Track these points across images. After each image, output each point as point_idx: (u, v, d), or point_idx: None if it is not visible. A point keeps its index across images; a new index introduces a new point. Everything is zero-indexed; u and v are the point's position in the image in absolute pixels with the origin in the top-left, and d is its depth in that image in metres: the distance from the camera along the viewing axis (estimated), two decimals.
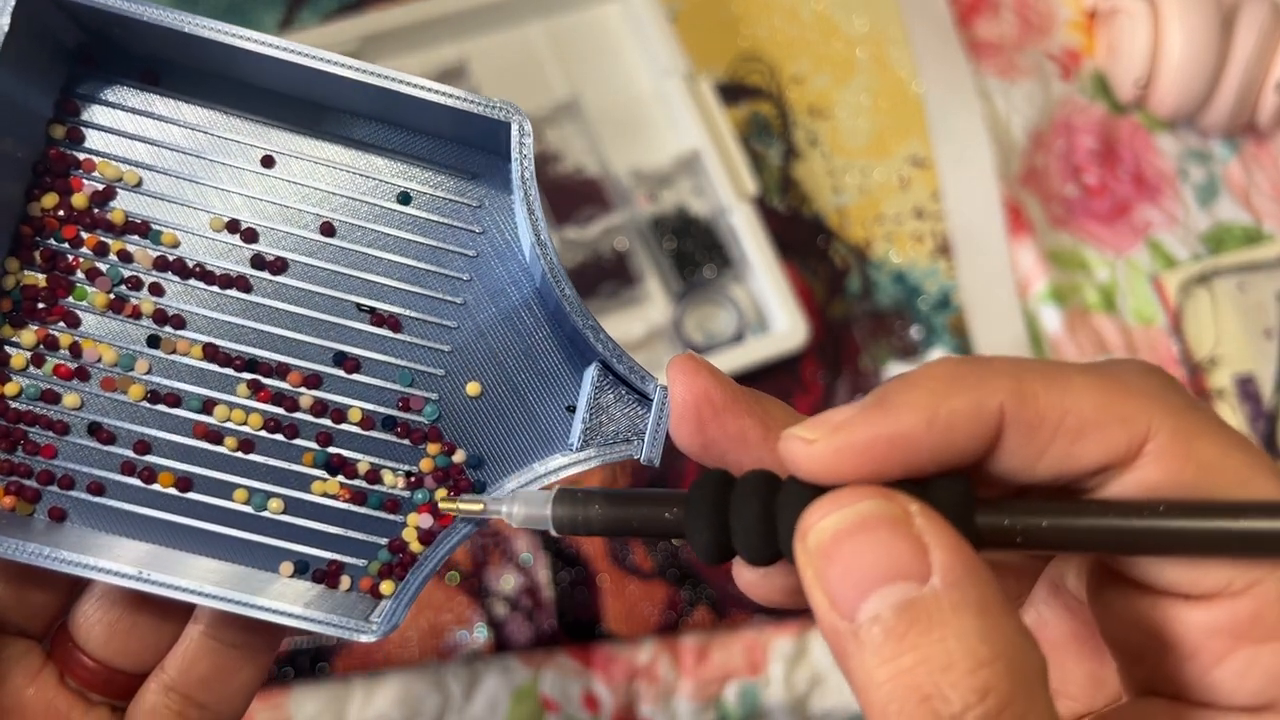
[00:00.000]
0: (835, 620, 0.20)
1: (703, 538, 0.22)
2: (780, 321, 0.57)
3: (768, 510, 0.22)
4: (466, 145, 0.28)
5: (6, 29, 0.25)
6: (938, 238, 0.63)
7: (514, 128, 0.26)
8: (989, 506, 0.21)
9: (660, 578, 0.55)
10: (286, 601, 0.26)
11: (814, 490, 0.21)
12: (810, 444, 0.21)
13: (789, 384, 0.59)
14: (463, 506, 0.25)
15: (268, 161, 0.28)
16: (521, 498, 0.25)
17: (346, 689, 0.54)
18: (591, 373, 0.27)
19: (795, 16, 0.66)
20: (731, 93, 0.64)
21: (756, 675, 0.56)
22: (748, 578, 0.24)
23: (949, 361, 0.22)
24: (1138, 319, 0.64)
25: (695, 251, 0.59)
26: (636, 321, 0.59)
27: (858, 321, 0.61)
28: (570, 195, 0.60)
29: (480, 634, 0.54)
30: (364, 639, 0.26)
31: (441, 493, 0.27)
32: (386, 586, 0.28)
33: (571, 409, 0.28)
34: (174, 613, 0.29)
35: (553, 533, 0.24)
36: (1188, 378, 0.62)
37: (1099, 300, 0.64)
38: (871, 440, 0.21)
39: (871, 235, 0.62)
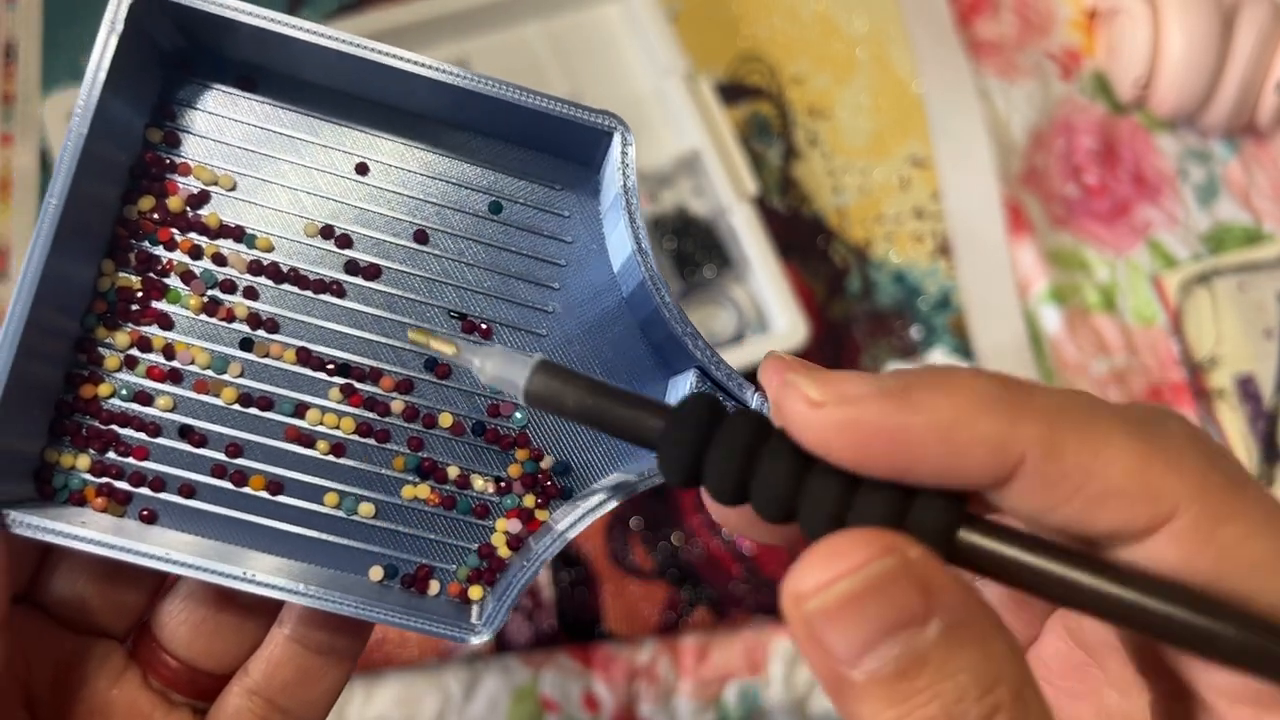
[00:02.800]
0: (833, 669, 0.19)
1: (675, 462, 0.21)
2: (780, 321, 0.57)
3: (749, 457, 0.21)
4: (557, 156, 0.28)
5: (120, 32, 0.25)
6: (938, 238, 0.63)
7: (616, 137, 0.27)
8: (976, 528, 0.20)
9: (660, 578, 0.55)
10: (390, 607, 0.26)
11: (802, 458, 0.20)
12: (815, 407, 0.20)
13: None
14: (435, 344, 0.24)
15: (362, 169, 0.28)
16: (499, 355, 0.23)
17: (347, 689, 0.53)
18: (691, 378, 0.27)
19: (795, 16, 0.66)
20: (731, 93, 0.64)
21: (756, 675, 0.56)
22: (714, 508, 0.23)
23: (986, 378, 0.20)
24: (1138, 319, 0.64)
25: (695, 251, 0.59)
26: None
27: (858, 321, 0.61)
28: None
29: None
30: (474, 640, 0.25)
31: (441, 342, 0.24)
32: (475, 591, 0.28)
33: None
34: (259, 614, 0.28)
35: (520, 401, 0.23)
36: (1188, 377, 0.62)
37: (1099, 300, 0.64)
38: (879, 428, 0.19)
39: (871, 235, 0.62)
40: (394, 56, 0.26)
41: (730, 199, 0.58)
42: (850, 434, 0.20)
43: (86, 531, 0.25)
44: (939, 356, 0.60)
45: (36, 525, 0.24)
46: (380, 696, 0.54)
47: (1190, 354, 0.62)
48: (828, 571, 0.19)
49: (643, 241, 0.27)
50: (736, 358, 0.57)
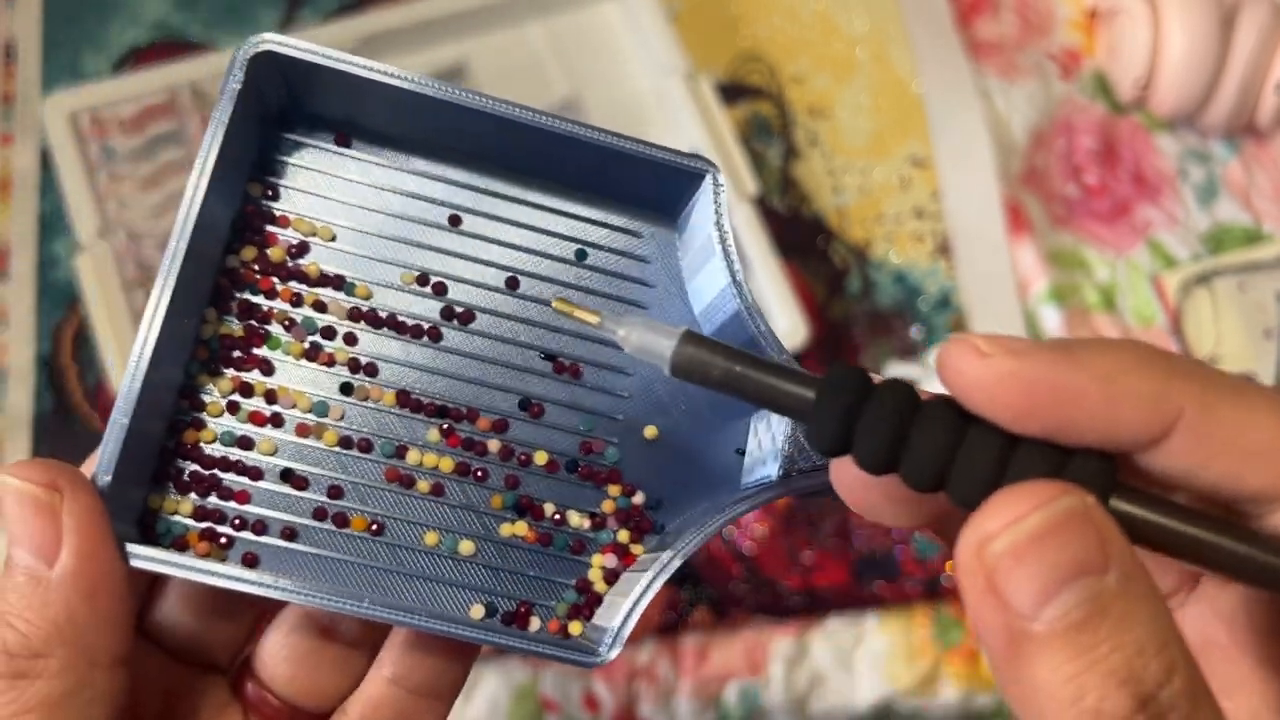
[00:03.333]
0: (1011, 625, 0.19)
1: (826, 431, 0.22)
2: (780, 321, 0.57)
3: (902, 423, 0.21)
4: (635, 203, 0.30)
5: (239, 88, 0.26)
6: (938, 237, 0.63)
7: (708, 179, 0.28)
8: (1126, 492, 0.21)
9: None
10: (495, 633, 0.26)
11: (958, 422, 0.21)
12: (984, 358, 0.20)
13: None
14: (578, 314, 0.24)
15: (455, 220, 0.29)
16: (644, 325, 0.23)
17: None
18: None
19: (795, 16, 0.66)
20: (731, 92, 0.64)
21: (756, 675, 0.56)
22: (847, 482, 0.24)
23: (1135, 344, 0.21)
24: (1138, 319, 0.64)
25: None
26: None
27: (858, 321, 0.61)
28: None
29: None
30: (597, 662, 0.26)
31: (586, 312, 0.25)
32: (575, 627, 0.28)
33: (741, 452, 0.29)
34: (359, 651, 0.28)
35: (666, 371, 0.23)
36: None
37: (1099, 300, 0.64)
38: (1042, 381, 0.20)
39: (871, 235, 0.62)
40: (487, 99, 0.27)
41: (730, 199, 0.58)
42: (1015, 386, 0.20)
43: (200, 561, 0.25)
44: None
45: (154, 558, 0.25)
46: None
47: (1190, 354, 0.62)
48: (1012, 511, 0.19)
49: (738, 275, 0.28)
50: None
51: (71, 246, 0.58)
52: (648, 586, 0.26)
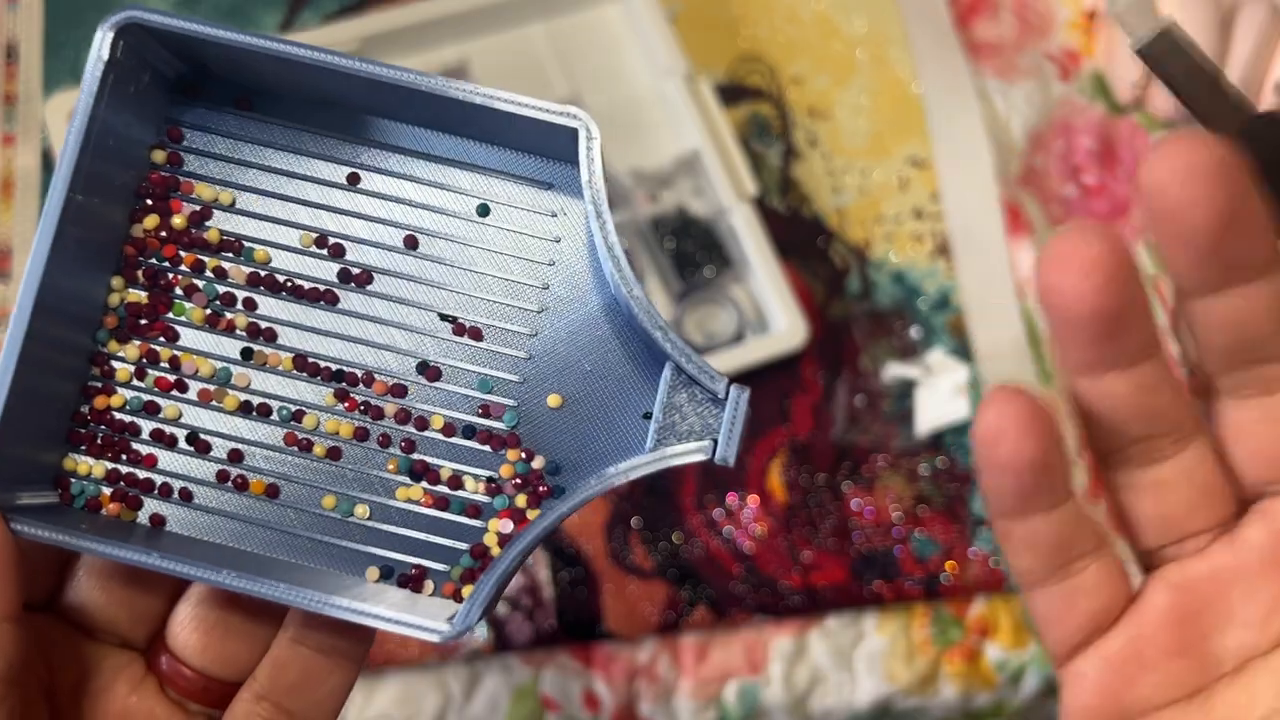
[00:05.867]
0: None
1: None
2: (780, 321, 0.58)
3: None
4: (541, 156, 0.29)
5: (106, 59, 0.27)
6: (937, 238, 0.63)
7: (580, 133, 0.27)
8: None
9: (660, 577, 0.55)
10: (370, 605, 0.26)
11: None
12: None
13: (788, 384, 0.59)
14: None
15: (353, 179, 0.29)
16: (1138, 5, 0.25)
17: None
18: (666, 373, 0.27)
19: (795, 17, 0.67)
20: (731, 93, 0.64)
21: (756, 674, 0.56)
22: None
23: None
24: None
25: (695, 251, 0.59)
26: None
27: (857, 321, 0.61)
28: None
29: (480, 633, 0.54)
30: (433, 639, 0.26)
31: None
32: (468, 591, 0.28)
33: (648, 416, 0.29)
34: (265, 617, 0.29)
35: (1134, 47, 0.24)
36: (1187, 378, 0.62)
37: None
38: None
39: (871, 235, 0.63)
40: (371, 67, 0.27)
41: (730, 199, 0.58)
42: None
43: (91, 540, 0.26)
44: (938, 357, 0.60)
45: (43, 527, 0.26)
46: (381, 695, 0.54)
47: (1189, 354, 0.62)
48: None
49: (609, 237, 0.27)
50: (737, 357, 0.57)
51: None
52: (509, 557, 0.26)
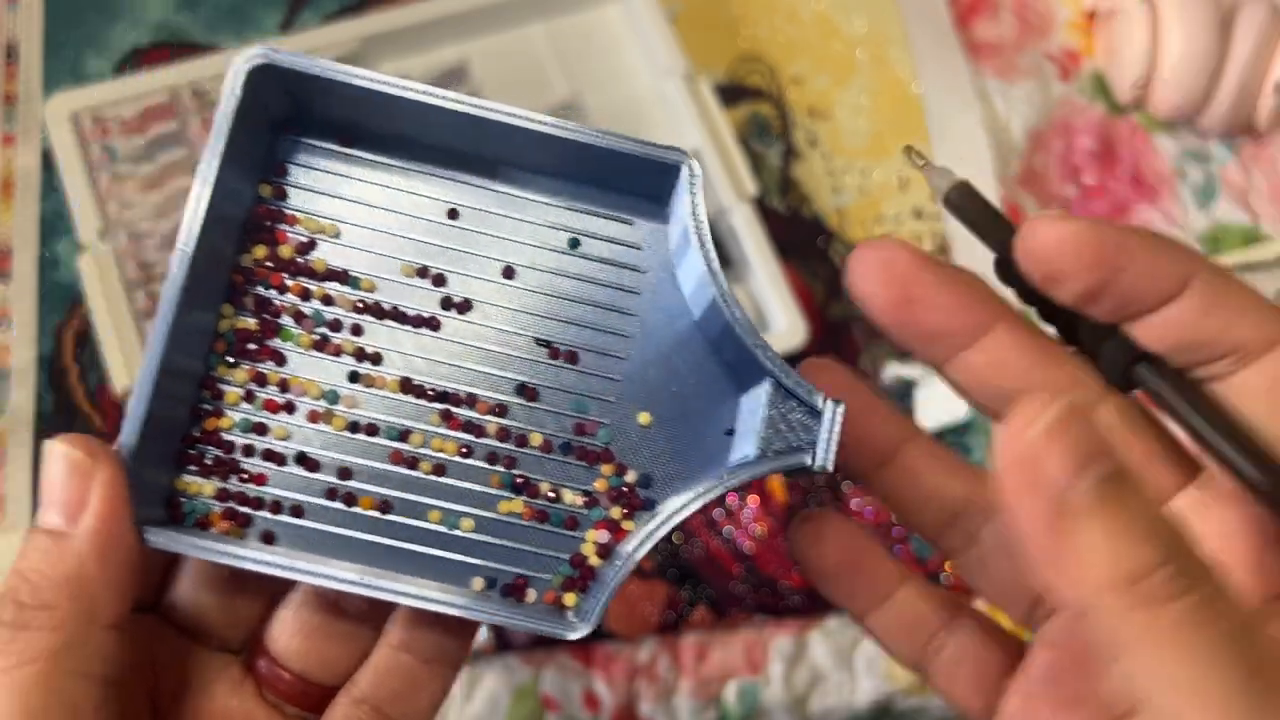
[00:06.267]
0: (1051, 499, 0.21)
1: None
2: (780, 321, 0.58)
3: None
4: (629, 193, 0.31)
5: (239, 98, 0.28)
6: (937, 238, 0.63)
7: (684, 170, 0.29)
8: (1151, 368, 0.27)
9: (660, 577, 0.56)
10: (485, 606, 0.28)
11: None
12: (1064, 221, 0.25)
13: None
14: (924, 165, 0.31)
15: (453, 214, 0.31)
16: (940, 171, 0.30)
17: None
18: (766, 388, 0.29)
19: (795, 17, 0.67)
20: (731, 93, 0.64)
21: (756, 674, 0.56)
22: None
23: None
24: None
25: None
26: None
27: (857, 321, 0.61)
28: None
29: (481, 633, 0.54)
30: (571, 636, 0.28)
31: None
32: (569, 598, 0.30)
33: (730, 433, 0.31)
34: (367, 624, 0.30)
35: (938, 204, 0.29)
36: None
37: None
38: (1109, 238, 0.25)
39: (871, 235, 0.63)
40: (473, 106, 0.29)
41: (730, 199, 0.59)
42: (1088, 241, 0.25)
43: (211, 542, 0.27)
44: None
45: (170, 538, 0.27)
46: None
47: None
48: (1036, 408, 0.22)
49: (713, 264, 0.29)
50: None
51: (73, 247, 0.58)
52: (627, 558, 0.29)
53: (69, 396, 0.57)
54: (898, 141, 0.65)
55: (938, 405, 0.59)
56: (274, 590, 0.30)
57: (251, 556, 0.27)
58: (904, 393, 0.59)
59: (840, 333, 0.60)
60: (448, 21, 0.61)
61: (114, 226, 0.56)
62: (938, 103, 0.65)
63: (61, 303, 0.58)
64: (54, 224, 0.60)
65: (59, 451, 0.26)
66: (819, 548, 0.30)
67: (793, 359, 0.58)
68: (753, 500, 0.57)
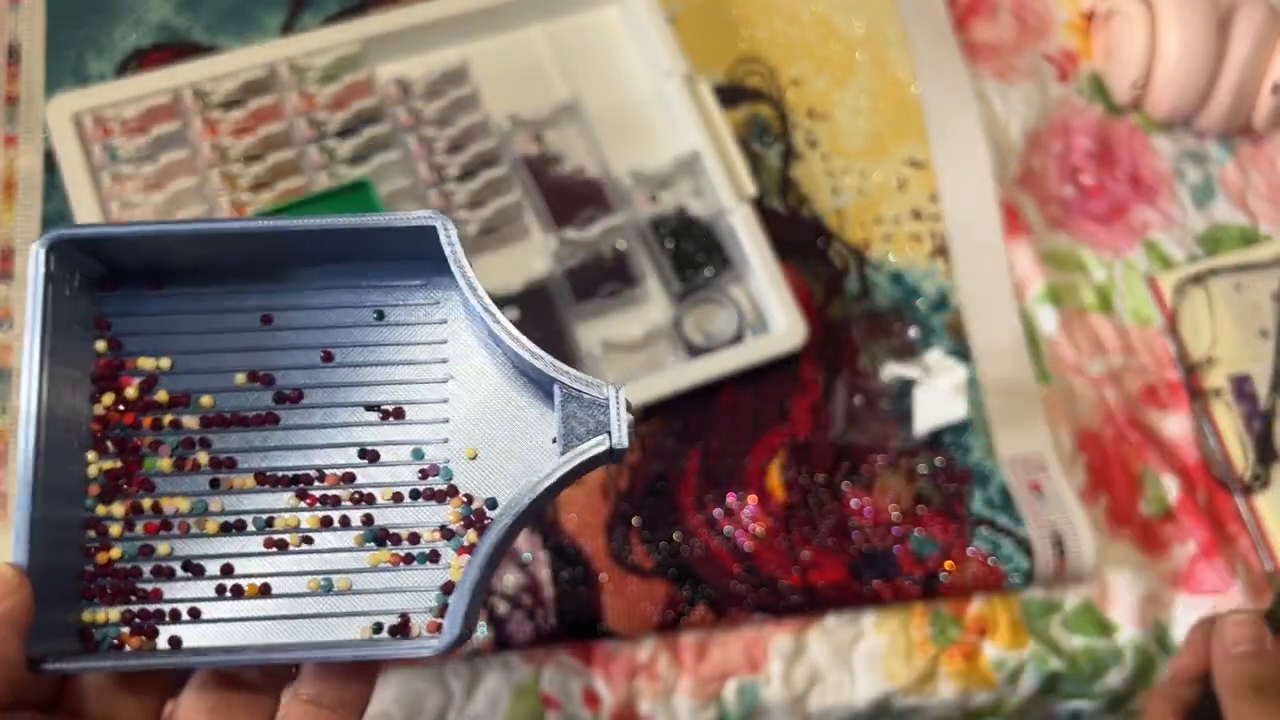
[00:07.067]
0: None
1: None
2: (779, 321, 0.58)
3: None
4: (413, 258, 0.34)
5: (45, 273, 0.31)
6: (935, 238, 0.63)
7: (439, 227, 0.32)
8: None
9: (660, 576, 0.56)
10: (372, 648, 0.31)
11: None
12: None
13: (788, 384, 0.59)
14: None
15: (266, 319, 0.34)
16: None
17: None
18: (557, 392, 0.32)
19: (794, 18, 0.67)
20: (731, 94, 0.65)
21: (756, 673, 0.56)
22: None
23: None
24: (1134, 319, 0.64)
25: (695, 252, 0.60)
26: (636, 322, 0.59)
27: (856, 322, 0.61)
28: (571, 196, 0.60)
29: (481, 632, 0.54)
30: (427, 654, 0.30)
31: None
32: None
33: (555, 440, 0.33)
34: (266, 690, 0.32)
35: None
36: (1184, 377, 0.62)
37: (1096, 301, 0.64)
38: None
39: (870, 236, 0.63)
40: (242, 225, 0.33)
41: (730, 200, 0.59)
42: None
43: (116, 656, 0.31)
44: (937, 357, 0.60)
45: (71, 660, 0.31)
46: (382, 694, 0.54)
47: (1186, 354, 0.63)
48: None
49: (483, 300, 0.32)
50: (736, 358, 0.57)
51: None
52: (472, 565, 0.31)
53: None
54: (896, 142, 0.65)
55: (936, 405, 0.59)
56: (167, 684, 0.33)
57: (161, 659, 0.31)
58: (903, 392, 0.60)
59: (839, 333, 0.61)
60: (448, 23, 0.61)
61: None
62: (937, 104, 0.66)
63: None
64: (56, 224, 0.60)
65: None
66: None
67: (792, 359, 0.59)
68: (752, 500, 0.57)
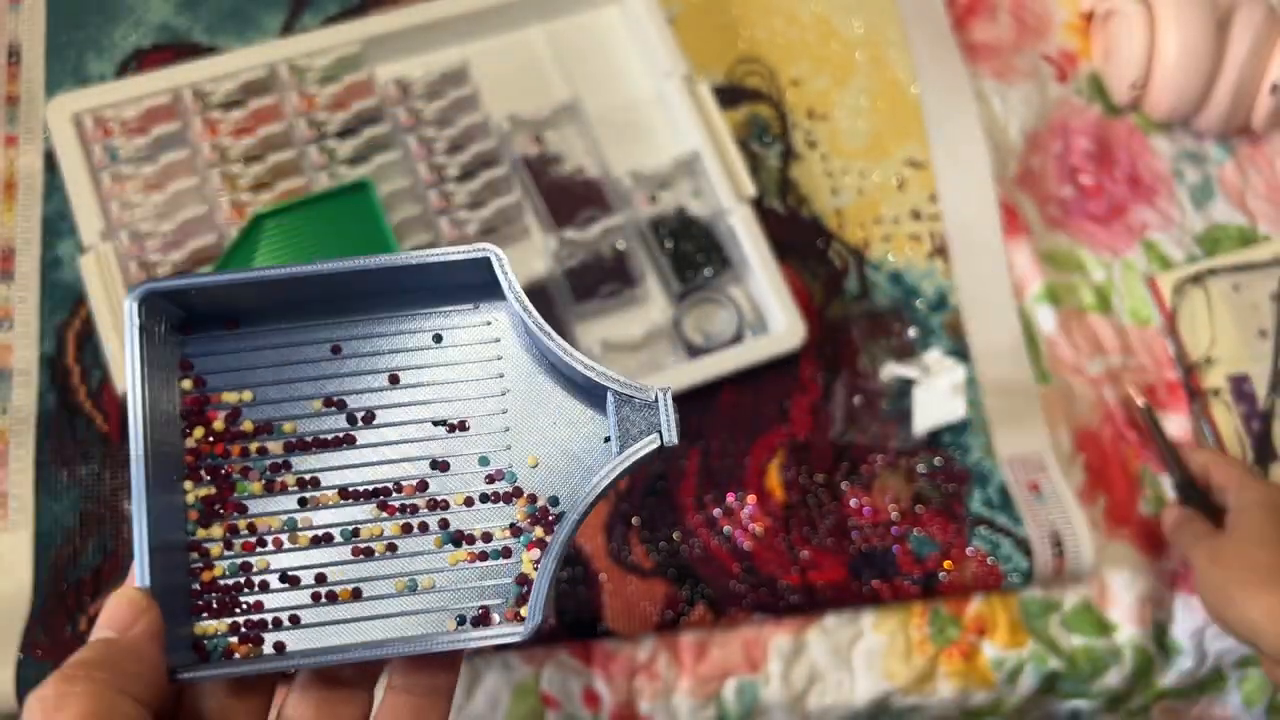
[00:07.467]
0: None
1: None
2: (778, 321, 0.58)
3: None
4: (467, 286, 0.38)
5: (139, 324, 0.35)
6: (935, 239, 0.63)
7: (493, 259, 0.36)
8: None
9: (660, 576, 0.56)
10: (450, 636, 0.35)
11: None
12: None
13: (787, 383, 0.59)
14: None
15: (336, 349, 0.38)
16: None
17: None
18: (610, 398, 0.35)
19: (794, 19, 0.67)
20: (730, 95, 0.65)
21: (755, 672, 0.56)
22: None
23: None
24: (1133, 319, 0.64)
25: (694, 252, 0.60)
26: (636, 322, 0.59)
27: (855, 321, 0.61)
28: (571, 197, 0.60)
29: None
30: (515, 638, 0.34)
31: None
32: (525, 611, 0.36)
33: (608, 439, 0.37)
34: (362, 684, 0.36)
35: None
36: (1182, 377, 0.62)
37: (1094, 301, 0.64)
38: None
39: (869, 236, 0.63)
40: (312, 268, 0.35)
41: (729, 200, 0.59)
42: None
43: (234, 664, 0.35)
44: (936, 357, 0.60)
45: (198, 669, 0.34)
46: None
47: (1185, 354, 0.63)
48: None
49: (536, 321, 0.35)
50: (735, 358, 0.57)
51: (75, 247, 0.58)
52: (548, 557, 0.34)
53: (71, 395, 0.57)
54: (896, 143, 0.65)
55: (936, 405, 0.59)
56: (272, 686, 0.36)
57: (274, 663, 0.34)
58: (902, 392, 0.60)
59: (838, 333, 0.61)
60: (448, 23, 0.61)
61: (116, 227, 0.57)
62: (936, 104, 0.66)
63: (64, 303, 0.59)
64: (56, 224, 0.60)
65: (126, 594, 0.33)
66: None
67: (792, 359, 0.59)
68: (751, 499, 0.57)
